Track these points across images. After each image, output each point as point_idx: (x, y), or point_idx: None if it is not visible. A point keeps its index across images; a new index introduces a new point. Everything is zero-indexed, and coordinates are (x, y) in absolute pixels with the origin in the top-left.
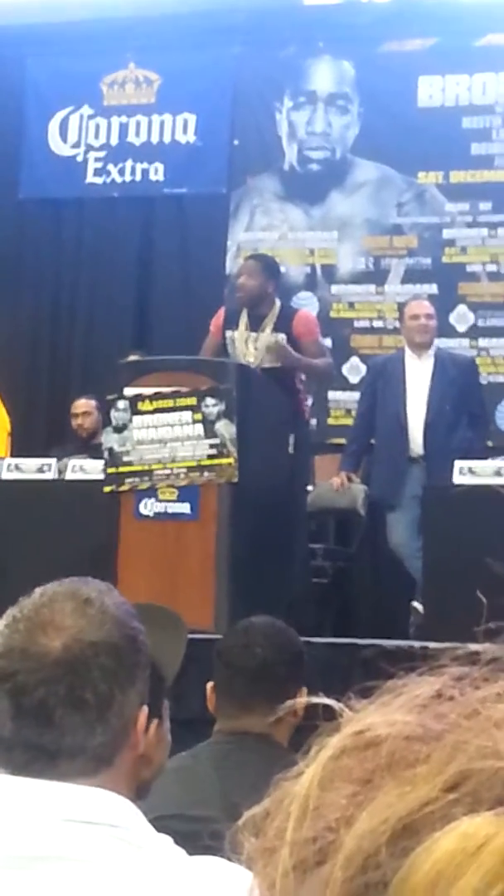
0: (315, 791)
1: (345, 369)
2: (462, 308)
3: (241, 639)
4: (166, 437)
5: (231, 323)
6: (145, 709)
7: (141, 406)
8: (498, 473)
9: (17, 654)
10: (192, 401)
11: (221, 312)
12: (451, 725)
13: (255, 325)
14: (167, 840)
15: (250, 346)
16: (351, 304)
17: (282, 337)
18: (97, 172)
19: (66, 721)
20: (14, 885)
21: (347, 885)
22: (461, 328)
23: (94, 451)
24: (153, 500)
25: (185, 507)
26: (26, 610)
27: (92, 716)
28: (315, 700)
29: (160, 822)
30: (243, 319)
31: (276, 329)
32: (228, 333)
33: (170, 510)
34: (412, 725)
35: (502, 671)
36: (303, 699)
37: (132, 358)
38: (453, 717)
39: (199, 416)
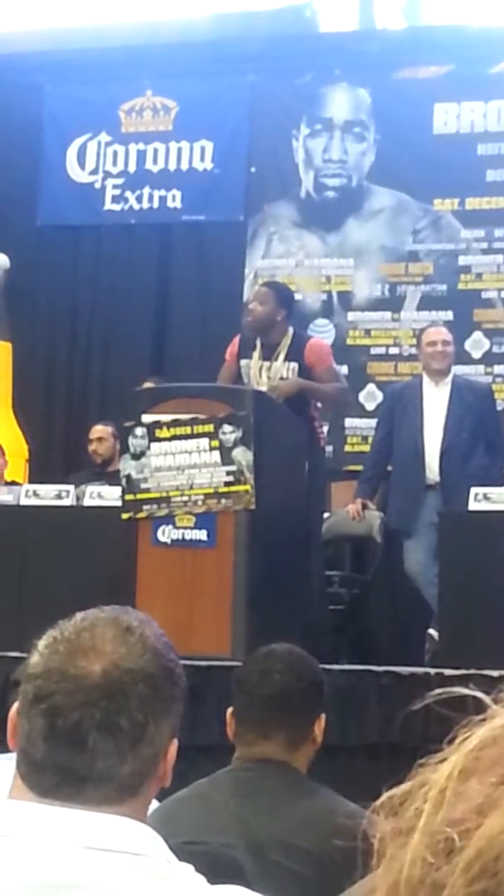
0: (454, 782)
1: (361, 396)
2: (477, 335)
3: (261, 665)
4: (184, 464)
5: (246, 351)
6: (176, 742)
7: (158, 433)
8: None
9: (56, 675)
10: (210, 428)
11: (236, 341)
12: None
13: (269, 354)
14: (189, 868)
15: (263, 376)
16: (367, 332)
17: (293, 367)
18: (115, 199)
19: (99, 746)
20: None
21: (466, 889)
22: (476, 355)
23: (110, 477)
24: (171, 527)
25: (202, 535)
26: (67, 632)
27: (125, 743)
28: (464, 692)
29: (180, 849)
30: (257, 348)
31: (288, 358)
32: (243, 362)
33: (187, 537)
34: None
35: None
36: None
37: (149, 385)
38: None
39: (216, 443)
